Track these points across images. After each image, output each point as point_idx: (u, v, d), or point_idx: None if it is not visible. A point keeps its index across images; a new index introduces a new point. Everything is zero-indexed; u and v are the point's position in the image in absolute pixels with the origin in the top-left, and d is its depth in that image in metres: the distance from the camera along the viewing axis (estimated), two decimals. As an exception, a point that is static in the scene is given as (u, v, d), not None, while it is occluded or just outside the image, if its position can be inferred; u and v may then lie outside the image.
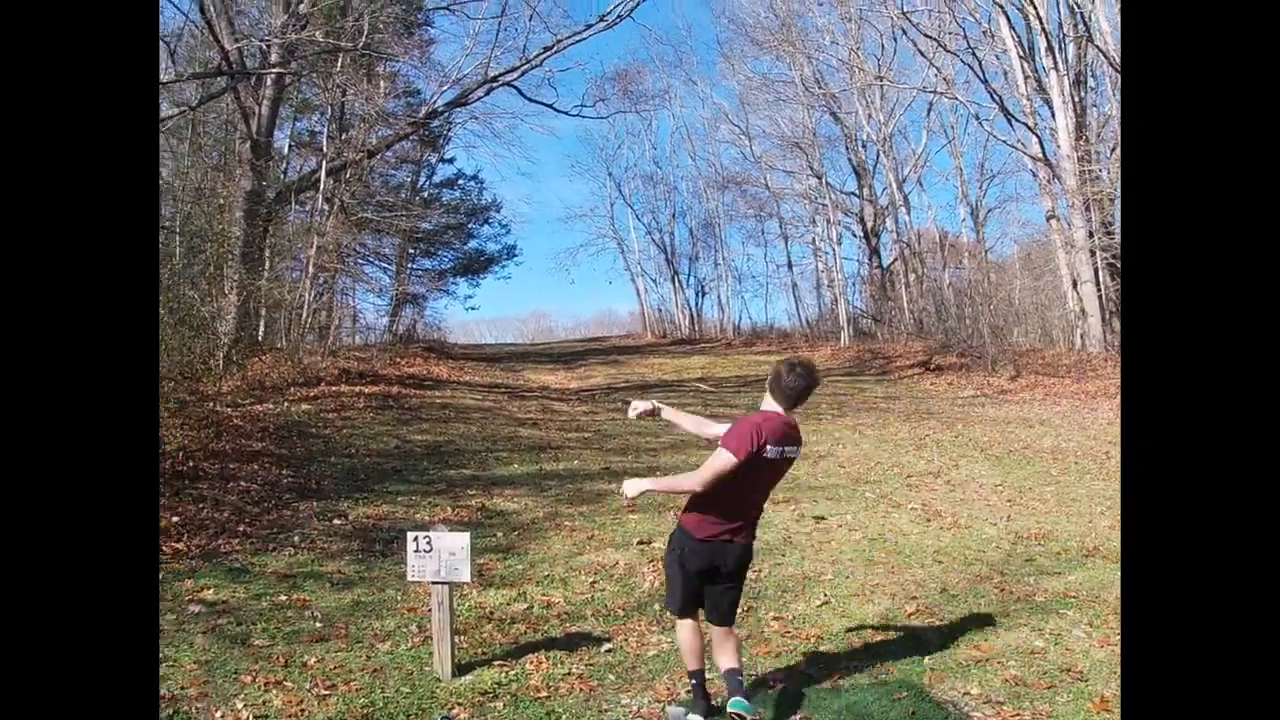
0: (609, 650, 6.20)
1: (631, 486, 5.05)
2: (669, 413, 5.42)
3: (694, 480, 4.89)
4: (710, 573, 5.01)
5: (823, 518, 9.67)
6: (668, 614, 6.81)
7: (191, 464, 10.78)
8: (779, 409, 5.02)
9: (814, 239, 39.76)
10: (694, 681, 5.16)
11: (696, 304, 43.94)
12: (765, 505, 5.26)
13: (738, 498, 4.93)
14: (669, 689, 5.54)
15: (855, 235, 38.04)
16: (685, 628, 5.14)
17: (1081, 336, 24.89)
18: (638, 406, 5.41)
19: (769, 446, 4.82)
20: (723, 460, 4.78)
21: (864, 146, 35.86)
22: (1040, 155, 25.45)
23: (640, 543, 8.83)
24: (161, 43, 16.85)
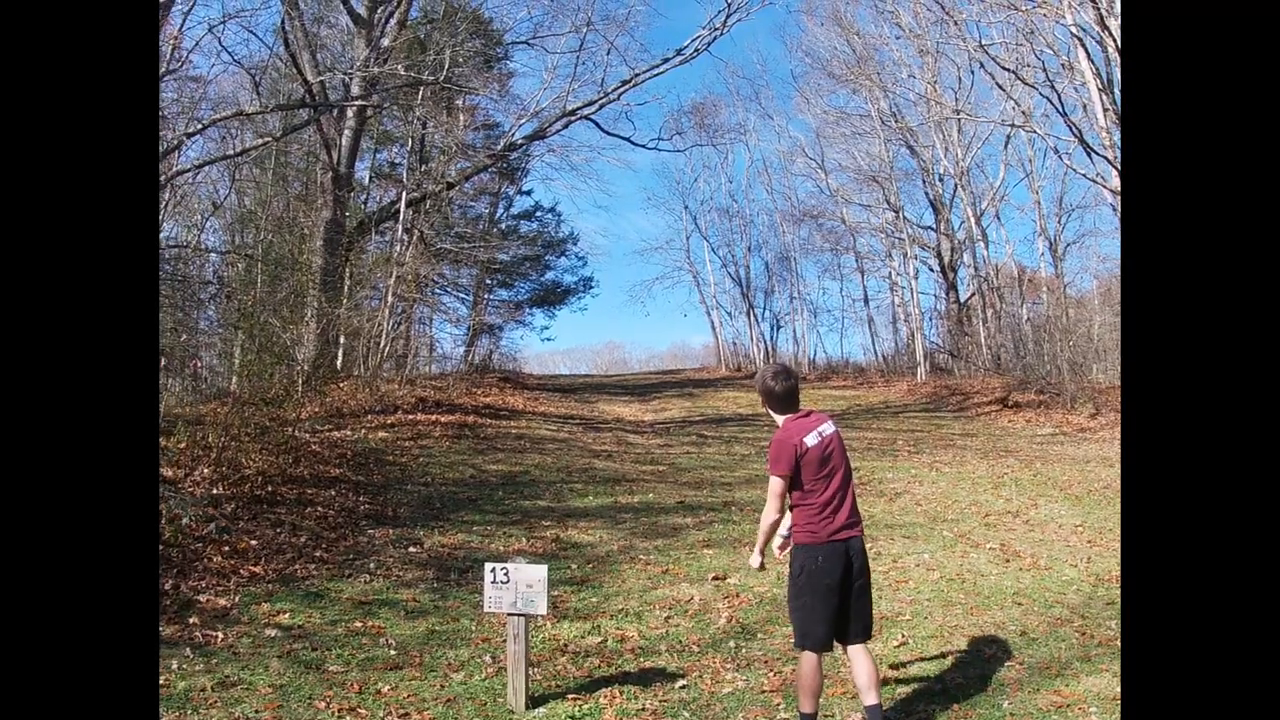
0: (683, 687, 6.14)
1: (755, 560, 5.46)
2: (778, 540, 5.49)
3: (767, 515, 5.24)
4: (845, 578, 5.13)
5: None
6: (743, 653, 6.77)
7: (270, 488, 10.91)
8: (789, 414, 5.33)
9: (890, 273, 39.41)
10: None
11: (771, 338, 43.64)
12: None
13: (824, 489, 5.15)
14: (744, 728, 5.49)
15: (932, 270, 37.60)
16: (814, 665, 5.12)
17: (1164, 374, 24.36)
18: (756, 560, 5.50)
19: (806, 441, 5.13)
20: (774, 485, 5.17)
21: (941, 180, 35.51)
22: (1120, 189, 25.04)
23: (715, 578, 8.77)
24: (247, 75, 17.29)
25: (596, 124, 29.19)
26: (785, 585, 5.50)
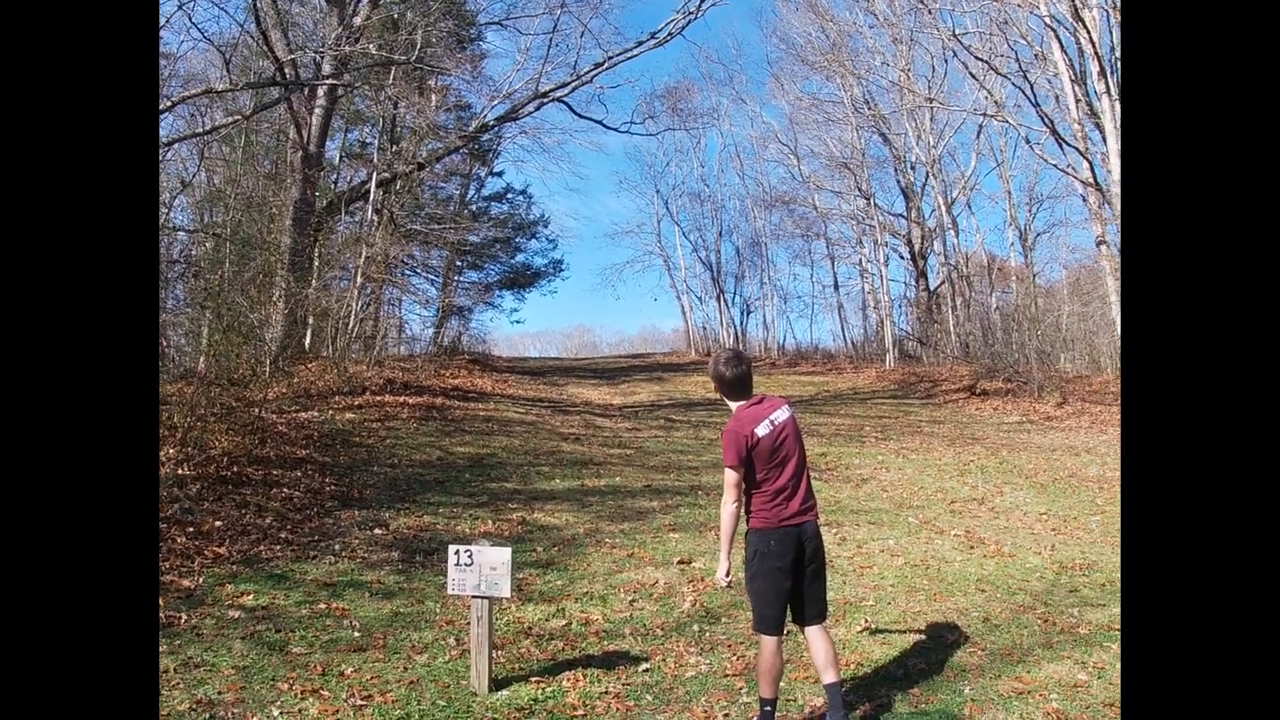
0: (647, 670, 6.16)
1: (720, 573, 5.32)
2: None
3: (726, 506, 5.21)
4: (798, 560, 5.15)
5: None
6: (707, 636, 6.80)
7: (235, 469, 10.85)
8: (741, 401, 5.30)
9: (861, 260, 39.58)
10: (767, 709, 5.17)
11: (741, 323, 43.74)
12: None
13: (778, 477, 5.16)
14: (706, 711, 5.50)
15: (902, 257, 37.79)
16: (773, 648, 5.13)
17: (1130, 364, 24.46)
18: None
19: (757, 431, 5.11)
20: (729, 477, 5.16)
21: (913, 168, 35.65)
22: (1091, 180, 25.15)
23: (681, 562, 8.80)
24: (217, 52, 17.13)
25: (569, 106, 29.18)
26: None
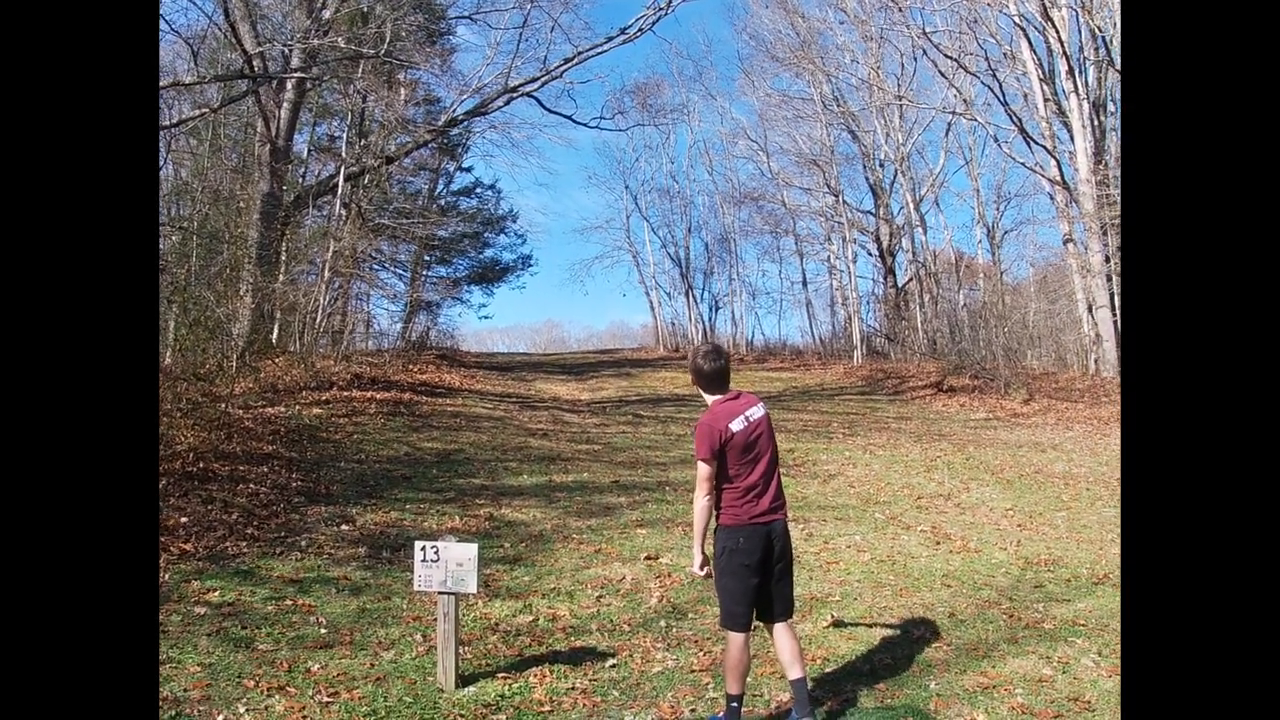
0: (613, 666, 6.16)
1: (695, 565, 5.34)
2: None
3: (698, 501, 5.18)
4: (766, 558, 5.16)
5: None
6: (674, 632, 6.81)
7: (202, 465, 10.78)
8: (718, 395, 5.28)
9: (829, 257, 39.68)
10: (733, 705, 5.18)
11: (710, 319, 43.72)
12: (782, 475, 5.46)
13: (749, 474, 5.16)
14: (673, 707, 5.51)
15: (871, 254, 37.99)
16: (740, 645, 5.13)
17: (1096, 361, 24.74)
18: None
19: (731, 426, 5.09)
20: (701, 471, 5.13)
21: (881, 165, 35.83)
22: (1059, 178, 25.37)
23: (648, 558, 8.80)
24: (185, 44, 16.97)
25: (538, 101, 29.13)
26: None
